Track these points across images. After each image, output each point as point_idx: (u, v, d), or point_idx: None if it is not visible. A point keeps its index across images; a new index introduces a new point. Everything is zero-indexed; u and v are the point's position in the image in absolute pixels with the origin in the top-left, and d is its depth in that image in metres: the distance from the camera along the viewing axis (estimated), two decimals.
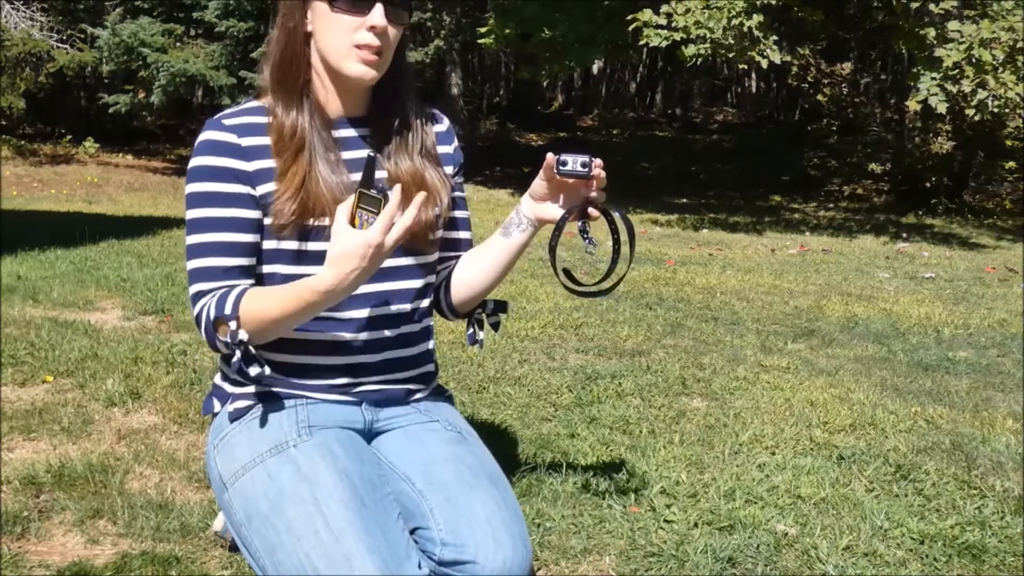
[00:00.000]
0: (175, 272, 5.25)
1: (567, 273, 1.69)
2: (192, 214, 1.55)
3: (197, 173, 1.54)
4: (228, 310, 1.47)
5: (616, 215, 1.62)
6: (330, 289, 1.43)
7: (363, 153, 1.61)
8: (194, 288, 1.54)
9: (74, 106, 17.90)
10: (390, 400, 1.68)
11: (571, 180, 1.59)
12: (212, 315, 1.48)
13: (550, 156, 1.59)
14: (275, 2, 1.60)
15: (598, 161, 1.57)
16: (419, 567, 1.41)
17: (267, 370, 1.52)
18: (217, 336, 1.49)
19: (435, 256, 1.70)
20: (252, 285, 1.55)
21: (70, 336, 3.67)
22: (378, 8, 1.49)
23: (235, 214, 1.53)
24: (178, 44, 13.85)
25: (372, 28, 1.50)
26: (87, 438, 2.60)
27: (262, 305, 1.47)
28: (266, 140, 1.55)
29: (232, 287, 1.51)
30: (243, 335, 1.47)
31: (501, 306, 1.86)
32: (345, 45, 1.51)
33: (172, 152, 16.65)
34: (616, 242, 1.63)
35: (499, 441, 2.62)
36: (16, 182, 12.29)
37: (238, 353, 1.49)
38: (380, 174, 1.61)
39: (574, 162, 1.56)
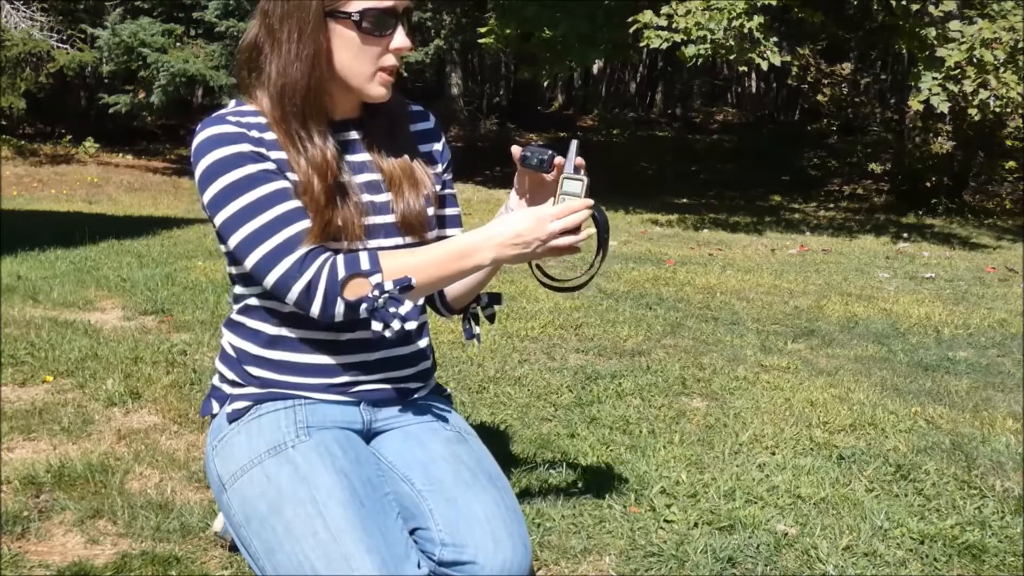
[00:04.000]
0: (175, 272, 5.25)
1: (539, 268, 1.70)
2: (233, 207, 1.46)
3: (218, 167, 1.47)
4: (367, 265, 1.43)
5: (593, 211, 1.62)
6: (505, 240, 1.44)
7: (360, 156, 1.61)
8: (277, 274, 1.44)
9: (74, 106, 17.92)
10: (389, 400, 1.68)
11: (547, 176, 1.61)
12: (342, 274, 1.43)
13: (515, 149, 1.60)
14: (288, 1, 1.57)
15: (559, 160, 1.57)
16: (418, 567, 1.40)
17: (408, 304, 1.45)
18: (342, 296, 1.43)
19: None
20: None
21: (70, 336, 3.67)
22: (401, 30, 1.50)
23: (277, 187, 1.48)
24: (178, 44, 13.86)
25: (398, 50, 1.51)
26: (87, 438, 2.60)
27: (407, 260, 1.46)
28: (271, 135, 1.53)
29: (363, 249, 1.49)
30: (411, 279, 1.43)
31: (495, 298, 1.86)
32: (370, 69, 1.51)
33: (172, 152, 16.66)
34: (599, 237, 1.63)
35: (499, 441, 2.63)
36: (16, 182, 12.30)
37: (396, 309, 1.42)
38: (373, 176, 1.61)
39: (533, 156, 1.58)
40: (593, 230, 1.59)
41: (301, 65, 1.48)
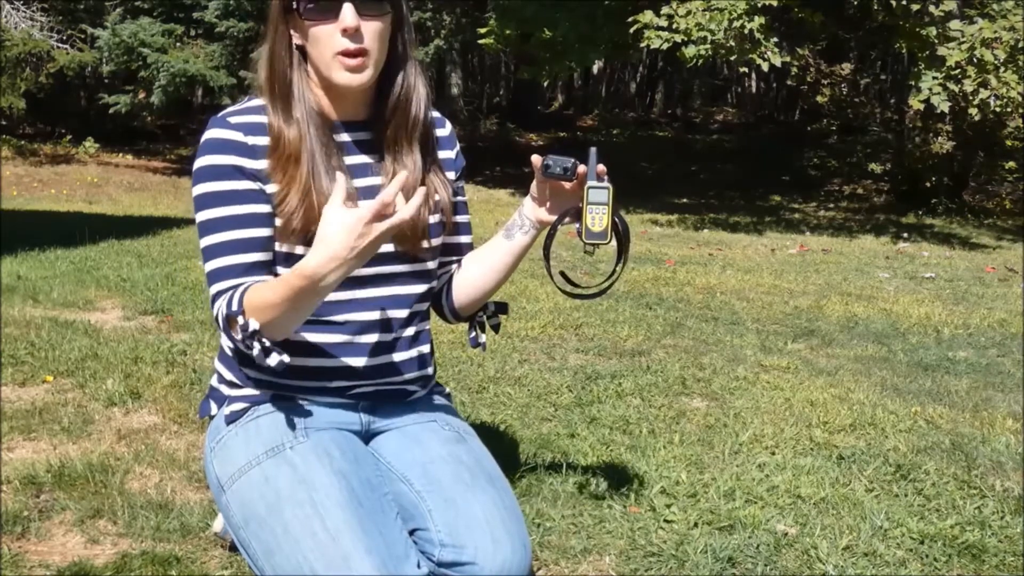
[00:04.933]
0: (175, 272, 5.25)
1: (563, 275, 1.70)
2: (204, 215, 1.52)
3: (205, 173, 1.52)
4: (235, 306, 1.45)
5: (615, 218, 1.62)
6: (314, 273, 1.36)
7: (365, 158, 1.61)
8: (214, 289, 1.51)
9: (74, 106, 17.92)
10: (387, 400, 1.67)
11: (567, 184, 1.60)
12: (224, 314, 1.47)
13: (535, 158, 1.60)
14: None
15: (582, 168, 1.57)
16: (418, 567, 1.40)
17: (286, 358, 1.47)
18: (232, 334, 1.47)
19: (434, 263, 1.69)
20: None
21: (70, 336, 3.67)
22: (346, 9, 1.46)
23: (249, 210, 1.52)
24: (178, 44, 13.86)
25: (344, 31, 1.47)
26: (87, 438, 2.60)
27: (260, 295, 1.44)
28: (265, 140, 1.54)
29: (245, 285, 1.49)
30: (253, 324, 1.43)
31: (501, 307, 1.86)
32: (328, 55, 1.50)
33: (172, 152, 16.65)
34: (619, 244, 1.63)
35: (499, 441, 2.62)
36: (16, 182, 12.29)
37: (256, 346, 1.44)
38: (376, 180, 1.61)
39: (556, 164, 1.58)
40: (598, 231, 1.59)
41: (271, 58, 1.55)
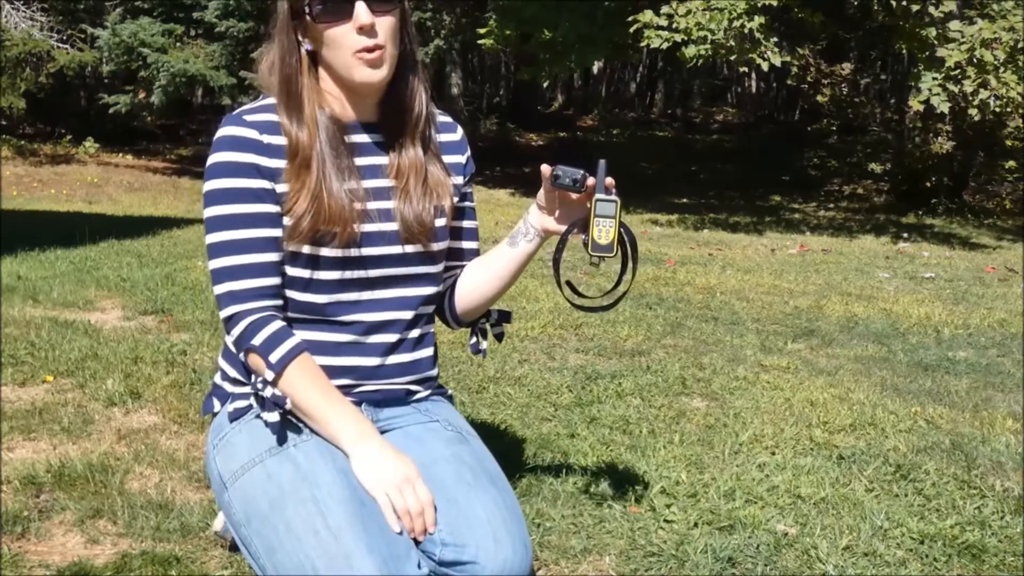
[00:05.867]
0: (175, 272, 5.26)
1: (571, 286, 1.70)
2: (215, 211, 1.52)
3: (219, 169, 1.53)
4: (275, 359, 1.49)
5: (622, 230, 1.62)
6: (347, 448, 1.48)
7: (376, 160, 1.61)
8: (224, 288, 1.52)
9: (74, 106, 17.94)
10: (390, 400, 1.68)
11: (574, 196, 1.61)
12: (256, 344, 1.49)
13: (544, 168, 1.60)
14: (274, 2, 1.59)
15: (591, 180, 1.58)
16: (418, 567, 1.40)
17: (276, 417, 1.51)
18: (246, 359, 1.52)
19: (440, 266, 1.70)
20: (283, 291, 1.55)
21: (70, 336, 3.67)
22: (359, 7, 1.48)
23: (261, 209, 1.52)
24: (178, 44, 13.88)
25: (360, 29, 1.48)
26: (87, 438, 2.60)
27: (301, 391, 1.50)
28: (279, 139, 1.55)
29: (282, 316, 1.54)
30: (273, 391, 1.49)
31: (505, 316, 1.87)
32: (347, 55, 1.51)
33: (172, 152, 16.66)
34: (624, 257, 1.63)
35: (499, 441, 2.62)
36: (16, 182, 12.30)
37: (267, 392, 1.50)
38: (385, 182, 1.61)
39: (565, 175, 1.58)
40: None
41: (280, 65, 1.55)
